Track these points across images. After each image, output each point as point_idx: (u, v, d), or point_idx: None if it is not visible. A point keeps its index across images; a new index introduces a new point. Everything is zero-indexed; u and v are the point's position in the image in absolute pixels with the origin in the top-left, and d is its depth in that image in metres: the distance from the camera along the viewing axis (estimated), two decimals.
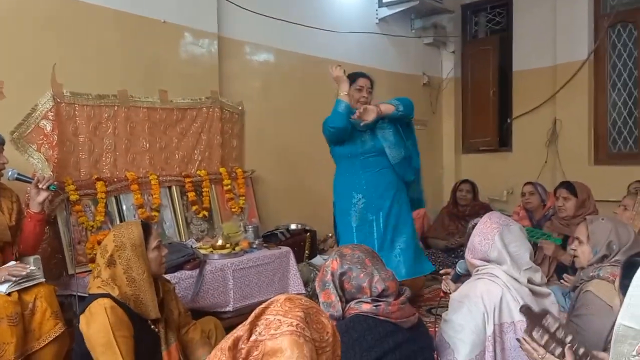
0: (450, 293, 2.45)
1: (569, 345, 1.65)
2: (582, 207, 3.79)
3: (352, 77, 3.61)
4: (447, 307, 2.17)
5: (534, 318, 1.72)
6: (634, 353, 1.07)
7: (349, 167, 3.61)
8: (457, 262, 2.55)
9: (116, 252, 2.29)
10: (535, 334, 1.67)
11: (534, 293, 2.10)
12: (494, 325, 1.97)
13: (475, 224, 2.25)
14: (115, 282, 2.26)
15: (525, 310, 1.78)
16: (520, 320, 1.97)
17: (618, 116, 5.69)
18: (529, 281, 2.10)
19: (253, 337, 1.16)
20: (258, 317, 1.20)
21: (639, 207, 2.99)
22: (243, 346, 1.18)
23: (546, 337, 1.66)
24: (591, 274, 2.27)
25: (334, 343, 1.23)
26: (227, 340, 1.20)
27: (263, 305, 1.22)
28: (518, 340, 1.72)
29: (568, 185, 3.90)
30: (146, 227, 2.42)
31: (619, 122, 5.68)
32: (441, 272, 2.78)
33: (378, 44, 5.92)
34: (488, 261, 2.15)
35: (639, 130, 5.52)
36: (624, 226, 2.40)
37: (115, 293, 2.24)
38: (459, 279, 2.47)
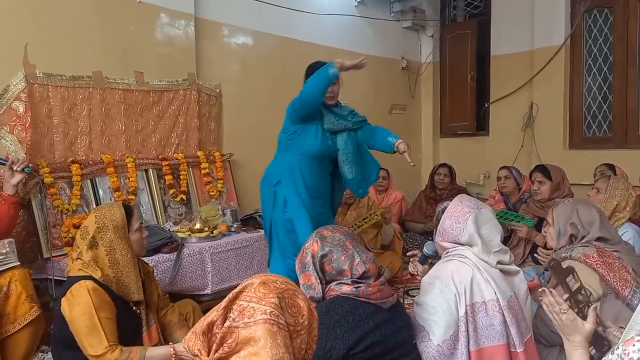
0: (417, 275, 2.47)
1: (594, 306, 1.66)
2: (557, 190, 3.85)
3: (313, 70, 3.14)
4: (416, 288, 2.17)
5: (559, 274, 1.72)
6: None
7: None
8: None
9: (98, 233, 2.26)
10: (558, 291, 1.68)
11: (504, 273, 2.12)
12: (466, 305, 1.98)
13: (445, 207, 2.24)
14: (97, 264, 2.24)
15: (554, 265, 1.77)
16: (491, 300, 1.99)
17: (593, 101, 5.76)
18: (499, 262, 2.12)
19: (227, 323, 1.16)
20: (232, 301, 1.19)
21: (612, 189, 3.04)
22: (217, 331, 1.18)
23: (567, 295, 1.68)
24: (563, 254, 2.32)
25: (309, 325, 1.23)
26: (202, 324, 1.20)
27: (238, 289, 1.21)
28: (542, 292, 1.70)
29: (542, 169, 3.95)
30: (128, 208, 2.40)
31: (594, 107, 5.75)
32: (408, 254, 2.77)
33: (357, 27, 5.90)
34: (458, 244, 2.15)
35: (613, 114, 5.60)
36: (585, 206, 2.45)
37: (97, 275, 2.21)
38: (426, 260, 2.48)
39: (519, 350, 2.00)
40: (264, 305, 1.16)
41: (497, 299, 2.00)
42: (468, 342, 1.97)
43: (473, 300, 2.00)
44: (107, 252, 2.25)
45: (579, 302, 1.68)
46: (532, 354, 2.08)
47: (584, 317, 1.65)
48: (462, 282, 2.02)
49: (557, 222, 2.44)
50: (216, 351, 1.17)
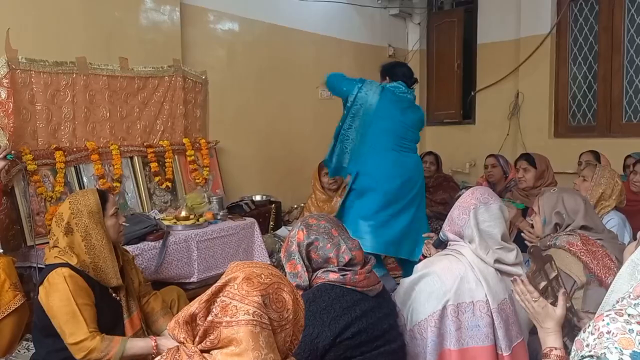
0: (429, 257, 2.44)
1: (563, 291, 1.68)
2: (541, 177, 3.89)
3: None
4: None
5: (539, 260, 1.73)
6: (631, 290, 1.11)
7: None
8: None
9: (73, 219, 2.24)
10: (537, 277, 1.70)
11: (502, 273, 2.07)
12: (447, 303, 1.97)
13: (460, 195, 2.23)
14: (73, 251, 2.22)
15: (534, 251, 1.78)
16: (480, 301, 1.97)
17: (578, 90, 5.80)
18: (499, 260, 2.07)
19: (210, 317, 1.16)
20: (215, 295, 1.18)
21: (598, 178, 3.07)
22: (200, 323, 1.18)
23: (544, 282, 1.69)
24: (548, 243, 2.35)
25: (295, 317, 1.22)
26: (185, 314, 1.20)
27: (221, 282, 1.20)
28: (513, 281, 1.71)
29: (527, 157, 3.98)
30: (102, 194, 2.38)
31: (579, 96, 5.79)
32: (424, 235, 2.83)
33: (344, 13, 5.87)
34: (461, 237, 2.13)
35: (598, 103, 5.65)
36: (570, 195, 2.47)
37: (73, 262, 2.20)
38: (441, 244, 2.43)
39: (505, 354, 1.98)
40: (246, 304, 1.14)
41: (487, 300, 1.98)
42: (440, 338, 1.96)
43: (460, 300, 1.98)
44: (82, 238, 2.23)
45: (555, 291, 1.70)
46: (521, 358, 2.05)
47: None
48: (450, 279, 2.00)
49: (543, 211, 2.46)
50: (199, 343, 1.17)
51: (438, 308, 1.96)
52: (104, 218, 2.31)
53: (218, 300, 1.18)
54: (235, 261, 1.33)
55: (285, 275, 1.31)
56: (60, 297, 2.12)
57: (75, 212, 2.25)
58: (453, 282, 1.99)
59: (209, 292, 1.20)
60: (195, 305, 1.20)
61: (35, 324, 2.30)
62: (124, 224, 2.46)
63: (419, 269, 2.13)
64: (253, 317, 1.13)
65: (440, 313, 1.96)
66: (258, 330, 1.13)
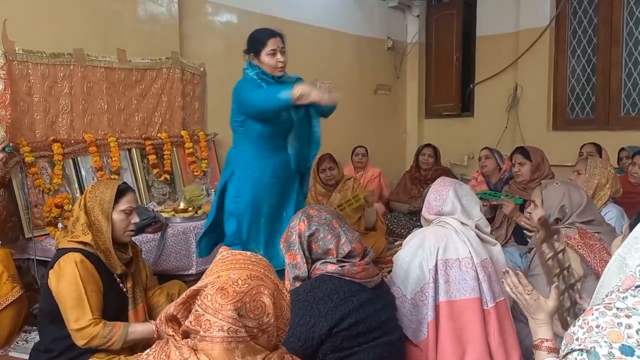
0: None
1: (555, 285, 1.70)
2: (537, 170, 3.89)
3: (259, 41, 2.89)
4: None
5: (548, 231, 1.75)
6: (619, 284, 1.12)
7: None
8: (418, 226, 2.63)
9: (89, 202, 2.27)
10: (544, 247, 1.71)
11: (481, 240, 2.27)
12: (437, 259, 2.15)
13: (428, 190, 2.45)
14: (90, 229, 2.23)
15: (544, 221, 1.82)
16: (466, 257, 2.16)
17: (577, 83, 5.80)
18: (478, 227, 2.29)
19: (187, 322, 1.15)
20: (191, 298, 1.17)
21: (591, 169, 3.09)
22: (181, 325, 1.17)
23: (551, 253, 1.71)
24: None
25: (278, 317, 1.20)
26: (167, 312, 1.20)
27: (196, 287, 1.18)
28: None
29: (522, 150, 3.99)
30: (123, 189, 2.36)
31: (577, 89, 5.79)
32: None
33: (343, 5, 5.85)
34: (441, 214, 2.32)
35: (596, 96, 5.65)
36: (576, 190, 2.47)
37: (88, 239, 2.21)
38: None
39: (490, 305, 2.15)
40: (220, 319, 1.11)
41: (472, 256, 2.17)
42: (436, 293, 2.13)
43: (447, 256, 2.17)
44: (91, 223, 2.24)
45: (560, 265, 1.71)
46: (504, 314, 2.19)
47: (568, 286, 1.69)
48: (437, 239, 2.19)
49: (548, 204, 2.43)
50: (184, 338, 1.18)
51: (432, 264, 2.15)
52: (113, 211, 2.29)
53: (193, 307, 1.15)
54: (222, 248, 1.31)
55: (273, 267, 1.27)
56: (69, 282, 2.12)
57: (92, 198, 2.27)
58: (440, 240, 2.19)
59: (184, 295, 1.18)
60: (172, 308, 1.19)
61: (42, 309, 2.30)
62: (133, 223, 2.41)
63: (407, 239, 2.34)
64: (228, 333, 1.11)
65: (434, 269, 2.14)
66: (233, 346, 1.11)
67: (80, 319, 2.10)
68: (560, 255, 1.72)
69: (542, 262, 1.67)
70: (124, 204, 2.33)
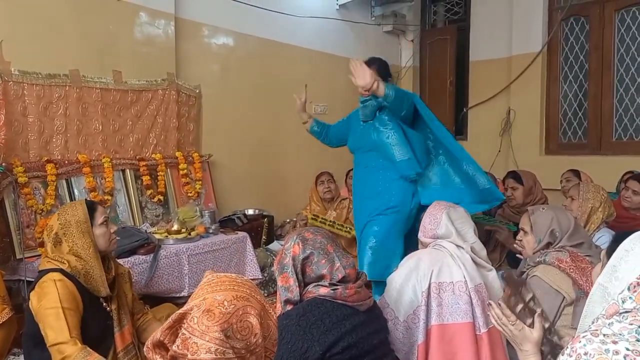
0: None
1: (538, 313, 1.70)
2: (530, 194, 3.91)
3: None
4: None
5: (513, 285, 1.75)
6: (603, 312, 1.13)
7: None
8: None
9: (61, 230, 2.26)
10: (512, 300, 1.71)
11: (476, 264, 2.30)
12: (430, 282, 2.16)
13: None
14: (63, 258, 2.23)
15: (507, 276, 1.83)
16: (460, 281, 2.18)
17: (569, 107, 5.85)
18: (473, 250, 2.32)
19: (174, 347, 1.14)
20: (177, 322, 1.16)
21: (583, 193, 3.11)
22: (169, 350, 1.16)
23: (521, 305, 1.71)
24: (537, 259, 2.35)
25: (265, 339, 1.19)
26: (153, 339, 1.18)
27: (182, 310, 1.16)
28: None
29: (514, 175, 4.02)
30: (91, 204, 2.40)
31: (570, 113, 5.84)
32: None
33: (338, 30, 5.91)
34: (437, 238, 2.35)
35: (588, 121, 5.69)
36: (563, 213, 2.50)
37: (64, 266, 2.21)
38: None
39: (482, 330, 2.16)
40: (207, 341, 1.10)
41: (465, 280, 2.19)
42: (427, 316, 2.14)
43: (441, 279, 2.19)
44: (69, 248, 2.25)
45: (533, 311, 1.72)
46: (496, 340, 2.20)
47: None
48: (432, 262, 2.21)
49: (537, 230, 2.45)
50: None
51: (425, 287, 2.16)
52: (93, 227, 2.31)
53: (179, 331, 1.14)
54: (207, 272, 1.30)
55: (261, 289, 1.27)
56: (48, 300, 2.12)
57: (63, 223, 2.27)
58: (435, 263, 2.21)
59: (170, 320, 1.17)
60: (159, 333, 1.18)
61: (26, 333, 2.28)
62: (113, 232, 2.44)
63: (401, 262, 2.35)
64: (215, 355, 1.09)
65: (427, 292, 2.16)
66: None
67: (56, 336, 2.08)
68: (530, 303, 1.74)
69: (513, 312, 1.68)
70: (99, 217, 2.35)
